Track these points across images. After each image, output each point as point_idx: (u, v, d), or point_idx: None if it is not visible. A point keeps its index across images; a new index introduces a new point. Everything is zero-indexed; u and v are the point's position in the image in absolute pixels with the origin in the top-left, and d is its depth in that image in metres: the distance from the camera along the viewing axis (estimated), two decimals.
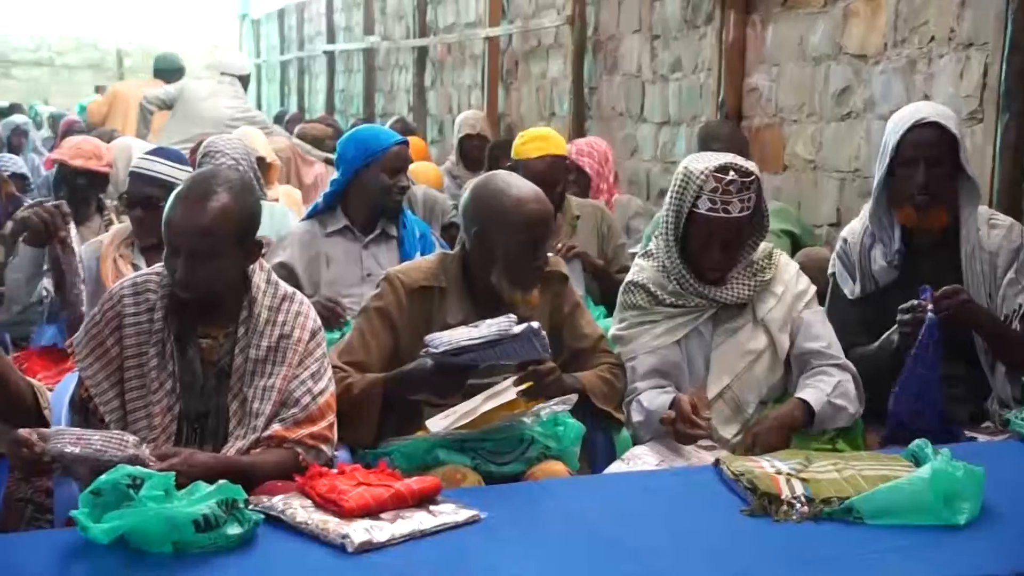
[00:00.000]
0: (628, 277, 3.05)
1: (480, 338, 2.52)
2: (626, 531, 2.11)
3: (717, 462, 2.43)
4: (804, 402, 2.77)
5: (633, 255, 4.04)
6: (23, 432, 2.15)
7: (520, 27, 8.01)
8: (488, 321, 2.57)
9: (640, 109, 6.46)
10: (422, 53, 10.16)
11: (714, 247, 2.82)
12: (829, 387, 2.81)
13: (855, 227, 3.20)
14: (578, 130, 6.84)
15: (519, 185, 2.84)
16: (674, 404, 2.75)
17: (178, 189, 2.47)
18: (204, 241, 2.37)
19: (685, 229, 2.85)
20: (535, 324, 2.55)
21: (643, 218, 5.14)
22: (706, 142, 4.21)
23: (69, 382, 2.64)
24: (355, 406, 2.65)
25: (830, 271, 3.23)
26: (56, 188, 4.33)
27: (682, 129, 6.01)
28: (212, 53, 20.99)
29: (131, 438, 2.17)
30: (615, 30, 6.72)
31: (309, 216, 3.91)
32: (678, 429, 2.70)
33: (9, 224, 4.17)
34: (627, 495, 2.38)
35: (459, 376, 2.62)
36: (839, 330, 2.99)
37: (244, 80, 7.77)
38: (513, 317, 2.57)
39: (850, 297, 3.15)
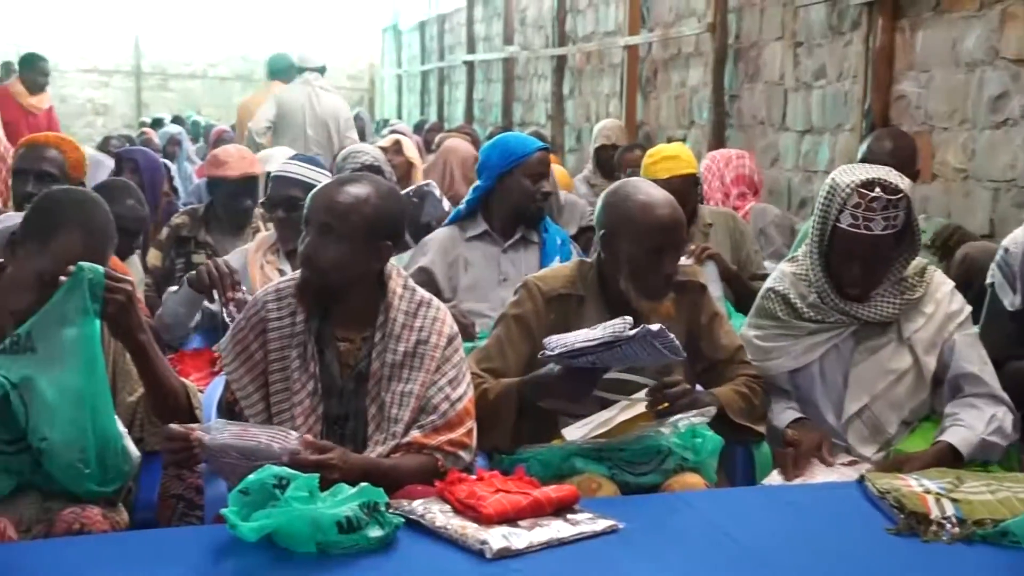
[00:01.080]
0: (768, 283, 2.99)
1: (594, 340, 2.49)
2: (766, 545, 2.07)
3: (862, 478, 2.36)
4: (952, 446, 2.66)
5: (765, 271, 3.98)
6: (175, 427, 2.23)
7: (660, 35, 7.95)
8: (604, 324, 2.54)
9: (782, 117, 6.34)
10: (561, 62, 10.18)
11: (854, 264, 2.74)
12: (982, 424, 2.70)
13: (1018, 236, 3.05)
14: (718, 139, 6.76)
15: (649, 191, 2.81)
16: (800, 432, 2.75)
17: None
18: (334, 218, 2.44)
19: (829, 242, 2.78)
20: (654, 327, 2.47)
21: (778, 227, 5.04)
22: (871, 149, 4.00)
23: (218, 385, 2.73)
24: (491, 411, 2.66)
25: (988, 281, 3.10)
26: (231, 201, 4.37)
27: (825, 138, 5.87)
28: (355, 64, 21.52)
29: (293, 433, 2.23)
30: (757, 37, 6.61)
31: (451, 221, 3.97)
32: (797, 454, 2.68)
33: (165, 230, 4.37)
34: (768, 509, 2.34)
35: (587, 380, 2.60)
36: (996, 343, 2.87)
37: (322, 71, 7.78)
38: (628, 320, 2.52)
39: (1010, 309, 3.01)
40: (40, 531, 2.26)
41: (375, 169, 4.32)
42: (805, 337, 2.86)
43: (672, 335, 2.50)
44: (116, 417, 2.36)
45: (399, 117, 17.08)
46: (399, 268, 2.60)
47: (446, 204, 5.40)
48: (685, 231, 2.89)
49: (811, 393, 2.87)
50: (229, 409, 2.56)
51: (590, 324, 2.74)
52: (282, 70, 8.64)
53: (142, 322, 2.36)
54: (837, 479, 2.62)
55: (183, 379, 2.58)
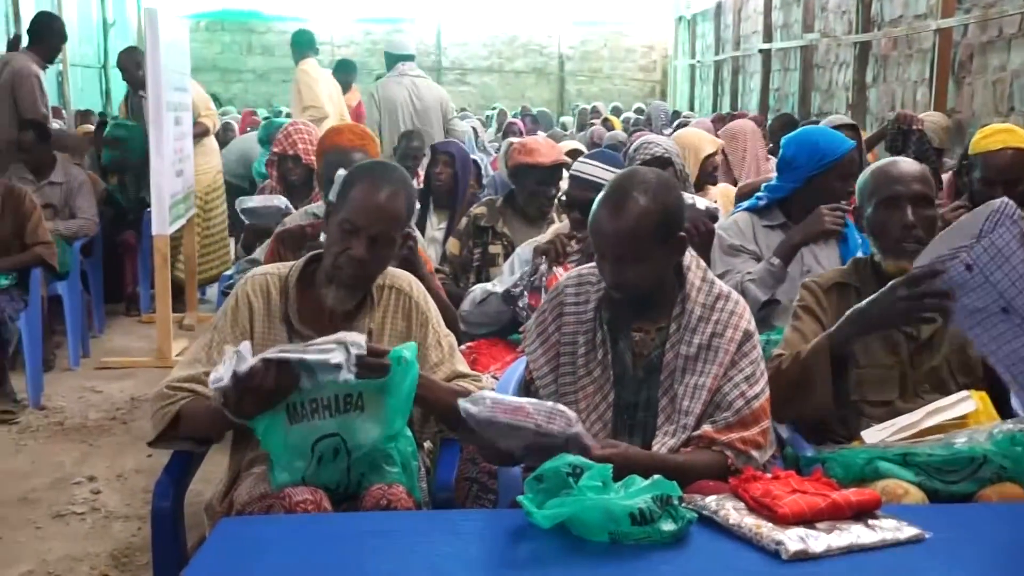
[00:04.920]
0: None
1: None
2: None
3: None
4: None
5: None
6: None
7: (978, 16, 7.46)
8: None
9: None
10: (864, 48, 9.77)
11: None
12: None
13: None
14: None
15: (892, 158, 2.90)
16: None
17: (600, 194, 2.50)
18: (625, 246, 2.41)
19: None
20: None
21: None
22: None
23: (520, 364, 2.82)
24: (806, 369, 2.62)
25: None
26: (539, 187, 4.42)
27: None
28: (647, 55, 21.56)
29: (571, 414, 2.19)
30: None
31: (745, 210, 3.86)
32: None
33: (464, 220, 4.51)
34: None
35: (935, 296, 2.38)
36: None
37: (412, 59, 7.62)
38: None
39: None
40: (350, 504, 2.39)
41: (664, 161, 4.26)
42: None
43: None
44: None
45: (691, 108, 16.97)
46: (699, 259, 2.56)
47: None
48: (929, 187, 2.83)
49: None
50: (526, 387, 2.63)
51: None
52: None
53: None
54: None
55: (470, 385, 2.64)
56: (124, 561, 3.77)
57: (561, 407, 2.19)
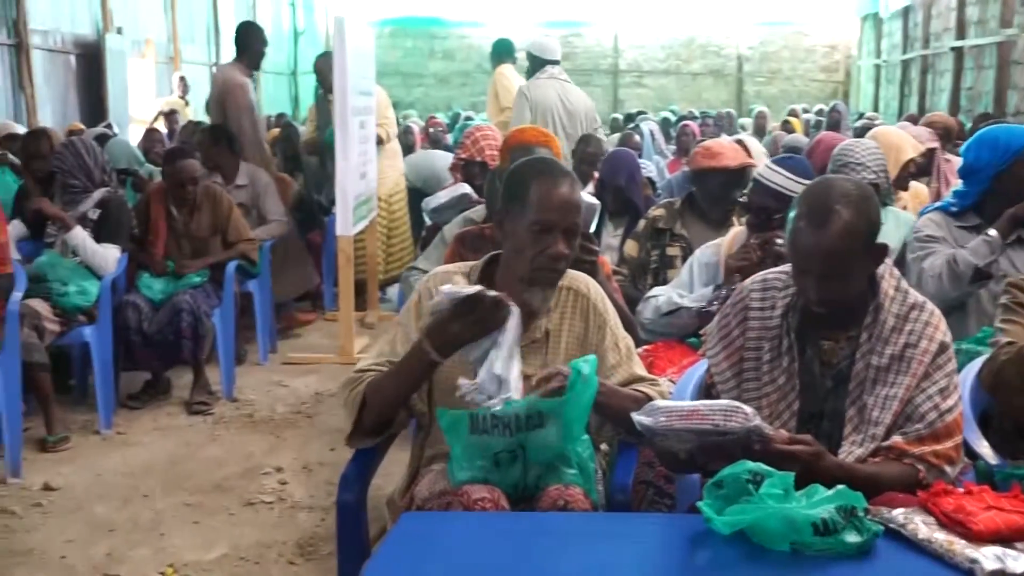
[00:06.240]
0: None
1: None
2: None
3: None
4: None
5: None
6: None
7: None
8: None
9: None
10: None
11: None
12: None
13: None
14: None
15: None
16: None
17: (797, 209, 2.41)
18: (833, 264, 2.34)
19: None
20: None
21: None
22: None
23: (699, 367, 2.78)
24: None
25: None
26: (723, 191, 4.34)
27: None
28: (829, 55, 21.01)
29: (748, 409, 2.14)
30: None
31: (937, 209, 3.73)
32: None
33: (642, 222, 4.49)
34: None
35: None
36: None
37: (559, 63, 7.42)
38: None
39: None
40: (527, 504, 2.41)
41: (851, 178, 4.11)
42: None
43: None
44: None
45: (875, 109, 16.46)
46: (892, 268, 2.48)
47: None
48: None
49: None
50: (707, 391, 2.60)
51: None
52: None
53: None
54: None
55: (648, 389, 2.62)
56: (309, 550, 3.90)
57: (736, 403, 2.15)
